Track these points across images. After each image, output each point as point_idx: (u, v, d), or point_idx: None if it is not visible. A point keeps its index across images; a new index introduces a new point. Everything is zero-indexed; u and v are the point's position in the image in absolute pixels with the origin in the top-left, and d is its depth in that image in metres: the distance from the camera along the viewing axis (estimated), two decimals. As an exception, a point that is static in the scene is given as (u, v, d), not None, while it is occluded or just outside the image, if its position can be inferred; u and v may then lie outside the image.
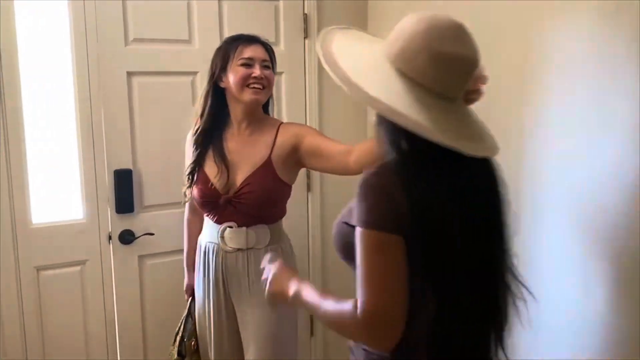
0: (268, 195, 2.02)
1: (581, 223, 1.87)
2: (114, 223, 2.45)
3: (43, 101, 2.35)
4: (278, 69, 2.65)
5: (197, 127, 2.06)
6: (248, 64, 1.97)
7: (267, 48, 2.06)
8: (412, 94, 1.11)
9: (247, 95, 1.97)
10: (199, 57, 2.49)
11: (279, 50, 2.70)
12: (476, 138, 1.18)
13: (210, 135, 2.05)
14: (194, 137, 2.07)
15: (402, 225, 1.10)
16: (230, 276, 2.07)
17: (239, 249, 2.04)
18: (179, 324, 2.25)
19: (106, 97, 2.37)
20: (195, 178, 2.06)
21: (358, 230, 1.13)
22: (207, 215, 2.10)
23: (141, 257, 2.53)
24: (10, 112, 2.23)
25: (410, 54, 1.11)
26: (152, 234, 2.50)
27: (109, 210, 2.43)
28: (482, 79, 1.26)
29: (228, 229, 2.04)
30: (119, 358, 2.52)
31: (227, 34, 2.54)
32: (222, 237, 2.04)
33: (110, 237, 2.46)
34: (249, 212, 2.01)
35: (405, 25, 1.15)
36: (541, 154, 1.97)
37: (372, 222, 1.12)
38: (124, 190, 2.43)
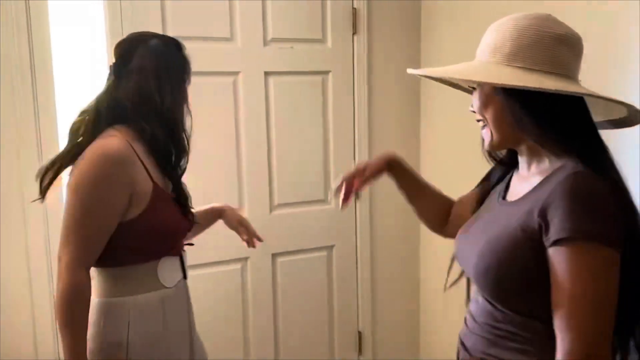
0: None
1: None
2: (151, 233, 2.29)
3: (77, 105, 2.21)
4: (324, 68, 2.53)
5: None
6: None
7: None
8: (549, 80, 1.03)
9: None
10: (241, 56, 2.38)
11: (326, 47, 2.55)
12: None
13: None
14: None
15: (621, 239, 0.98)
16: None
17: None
18: None
19: (143, 99, 2.22)
20: None
21: (579, 246, 0.96)
22: (171, 252, 1.60)
23: (180, 269, 2.37)
24: (45, 118, 2.14)
25: (531, 43, 1.05)
26: (192, 244, 2.33)
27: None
28: None
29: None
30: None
31: (272, 31, 2.44)
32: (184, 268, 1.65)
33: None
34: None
35: (504, 28, 1.09)
36: None
37: (610, 236, 0.97)
38: (162, 198, 2.27)
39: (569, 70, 1.06)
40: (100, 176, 1.41)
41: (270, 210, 2.52)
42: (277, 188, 2.53)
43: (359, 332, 2.79)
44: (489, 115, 1.12)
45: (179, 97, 1.58)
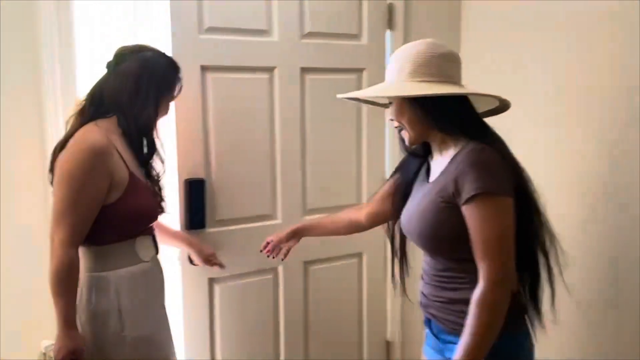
0: None
1: None
2: (183, 241, 2.15)
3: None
4: (358, 65, 2.42)
5: None
6: None
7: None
8: (444, 85, 1.43)
9: None
10: (278, 50, 2.25)
11: (361, 43, 2.44)
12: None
13: None
14: None
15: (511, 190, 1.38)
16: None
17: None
18: None
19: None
20: None
21: (483, 199, 1.34)
22: (144, 232, 1.83)
23: (212, 280, 2.22)
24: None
25: (424, 62, 1.43)
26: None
27: (178, 225, 2.13)
28: None
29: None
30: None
31: (309, 24, 2.31)
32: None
33: (178, 257, 2.15)
34: None
35: (403, 55, 1.47)
36: None
37: (504, 189, 1.36)
38: (196, 203, 2.13)
39: (454, 78, 1.46)
40: (86, 166, 1.61)
41: (303, 216, 2.38)
42: (310, 193, 2.41)
43: (387, 342, 2.70)
44: (404, 120, 1.48)
45: (153, 107, 1.77)
